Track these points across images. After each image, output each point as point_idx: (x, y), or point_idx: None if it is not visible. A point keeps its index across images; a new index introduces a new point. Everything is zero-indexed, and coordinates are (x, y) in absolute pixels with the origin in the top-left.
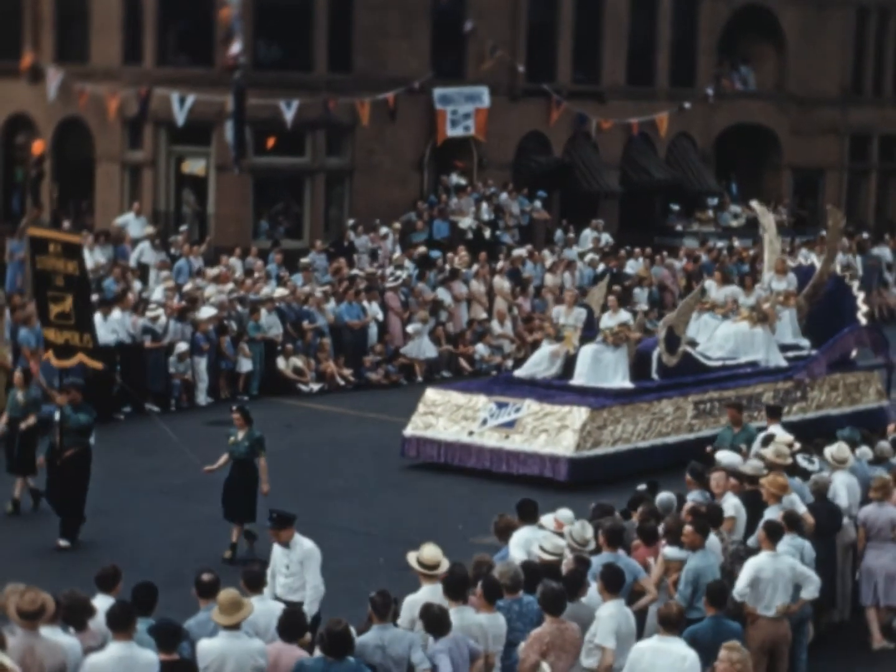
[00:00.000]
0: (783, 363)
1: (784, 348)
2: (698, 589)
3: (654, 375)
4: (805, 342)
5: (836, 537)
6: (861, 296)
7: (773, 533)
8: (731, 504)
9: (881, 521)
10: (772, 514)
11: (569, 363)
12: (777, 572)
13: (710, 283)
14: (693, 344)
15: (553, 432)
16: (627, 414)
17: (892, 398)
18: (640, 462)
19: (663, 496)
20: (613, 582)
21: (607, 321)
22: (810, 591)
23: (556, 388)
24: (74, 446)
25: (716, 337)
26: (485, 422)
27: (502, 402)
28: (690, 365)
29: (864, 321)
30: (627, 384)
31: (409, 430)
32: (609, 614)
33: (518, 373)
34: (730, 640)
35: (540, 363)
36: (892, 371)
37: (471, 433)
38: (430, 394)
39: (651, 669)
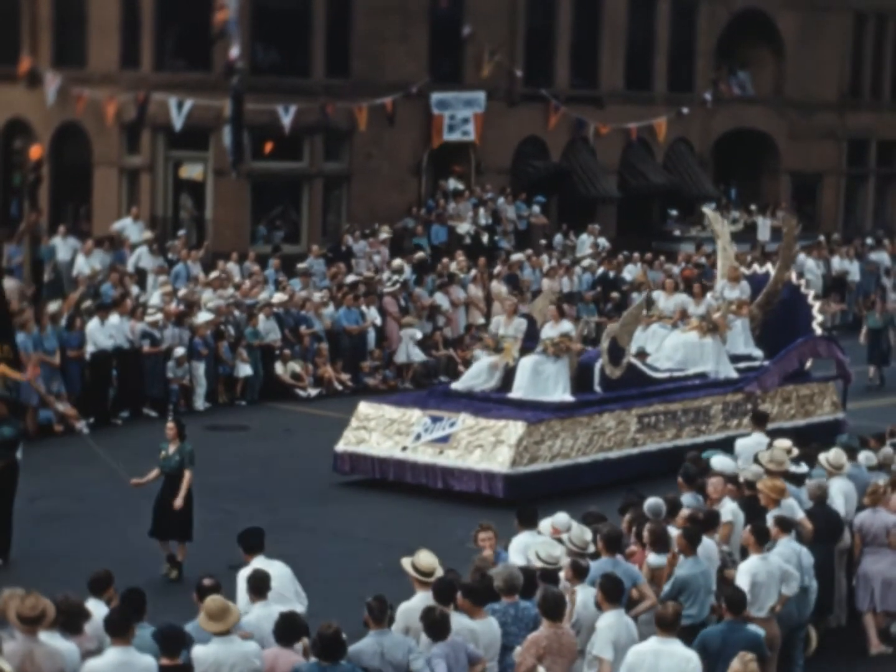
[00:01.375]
0: (734, 375)
1: (736, 359)
2: (689, 596)
3: (597, 388)
4: (758, 352)
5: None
6: (817, 304)
7: (761, 536)
8: (729, 509)
9: (876, 527)
10: (771, 518)
11: (508, 375)
12: (769, 574)
13: (657, 293)
14: (644, 354)
15: (488, 447)
16: (567, 428)
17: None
18: (580, 478)
19: (651, 501)
20: (613, 592)
21: (548, 332)
22: (791, 588)
23: (494, 402)
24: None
25: (664, 347)
26: (419, 437)
27: (437, 416)
28: (635, 377)
29: (819, 331)
30: (568, 397)
31: (340, 446)
32: (607, 625)
33: (455, 385)
34: (744, 646)
35: (478, 375)
36: (848, 383)
37: (404, 448)
38: (363, 407)
39: (653, 671)
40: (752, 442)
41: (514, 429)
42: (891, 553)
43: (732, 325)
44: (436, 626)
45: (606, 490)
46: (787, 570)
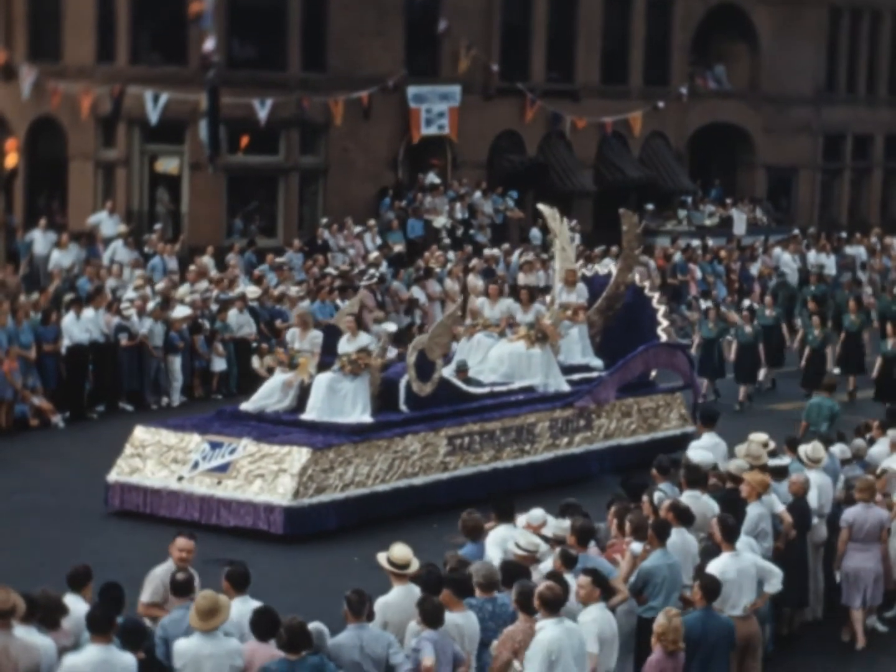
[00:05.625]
0: (566, 388)
1: (572, 369)
2: (653, 588)
3: (403, 407)
4: (597, 362)
5: (808, 536)
6: (662, 309)
7: (730, 532)
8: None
9: (870, 522)
10: (753, 511)
11: (304, 394)
12: (741, 572)
13: (482, 300)
14: (464, 368)
15: (270, 477)
16: (361, 453)
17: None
18: (379, 508)
19: (659, 495)
20: (598, 585)
21: (345, 346)
22: (773, 585)
23: (285, 424)
24: None
25: (488, 359)
26: (196, 465)
27: (217, 441)
28: (448, 394)
29: (664, 337)
30: (367, 418)
31: (113, 476)
32: (592, 619)
33: (245, 406)
34: (721, 634)
35: (271, 394)
36: (698, 395)
37: (180, 478)
38: (139, 433)
39: (570, 651)
40: (709, 443)
41: (298, 456)
42: (877, 548)
43: (568, 333)
44: (432, 613)
45: (412, 519)
46: (765, 566)
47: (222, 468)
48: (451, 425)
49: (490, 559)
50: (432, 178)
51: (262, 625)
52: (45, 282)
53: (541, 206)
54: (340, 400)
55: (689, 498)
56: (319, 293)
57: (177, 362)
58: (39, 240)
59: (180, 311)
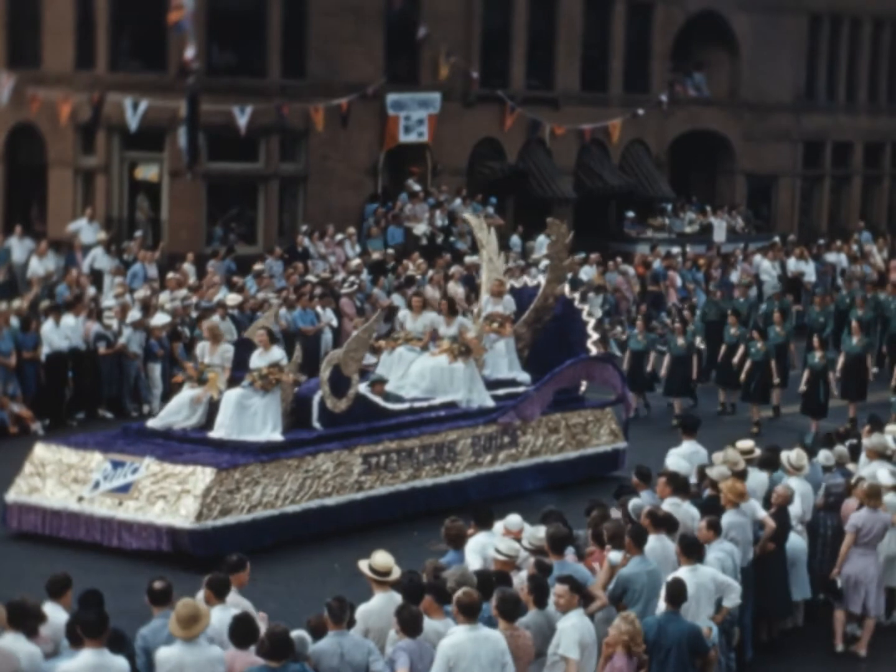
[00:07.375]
0: (490, 403)
1: (498, 384)
2: (632, 594)
3: (316, 424)
4: (524, 376)
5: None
6: (592, 321)
7: (689, 548)
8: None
9: (877, 527)
10: (725, 519)
11: (213, 411)
12: (699, 586)
13: (404, 313)
14: (379, 381)
15: (172, 498)
16: (270, 473)
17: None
18: (290, 529)
19: (636, 502)
20: (576, 592)
21: (256, 361)
22: (732, 599)
23: (192, 442)
24: None
25: (410, 374)
26: (97, 485)
27: (119, 460)
28: (364, 410)
29: (594, 351)
30: (277, 436)
31: (11, 495)
32: (572, 625)
33: (152, 423)
34: (679, 638)
35: (179, 411)
36: (629, 410)
37: (80, 499)
38: (39, 451)
39: (476, 660)
40: (688, 451)
41: (202, 476)
42: (876, 553)
43: (494, 346)
44: (409, 622)
45: (328, 540)
46: (724, 580)
47: (124, 488)
48: (366, 443)
49: (469, 566)
50: (412, 185)
51: (241, 632)
52: (23, 289)
53: (467, 216)
54: (250, 417)
55: (669, 505)
56: (300, 300)
57: (157, 370)
58: (16, 247)
59: (160, 319)
